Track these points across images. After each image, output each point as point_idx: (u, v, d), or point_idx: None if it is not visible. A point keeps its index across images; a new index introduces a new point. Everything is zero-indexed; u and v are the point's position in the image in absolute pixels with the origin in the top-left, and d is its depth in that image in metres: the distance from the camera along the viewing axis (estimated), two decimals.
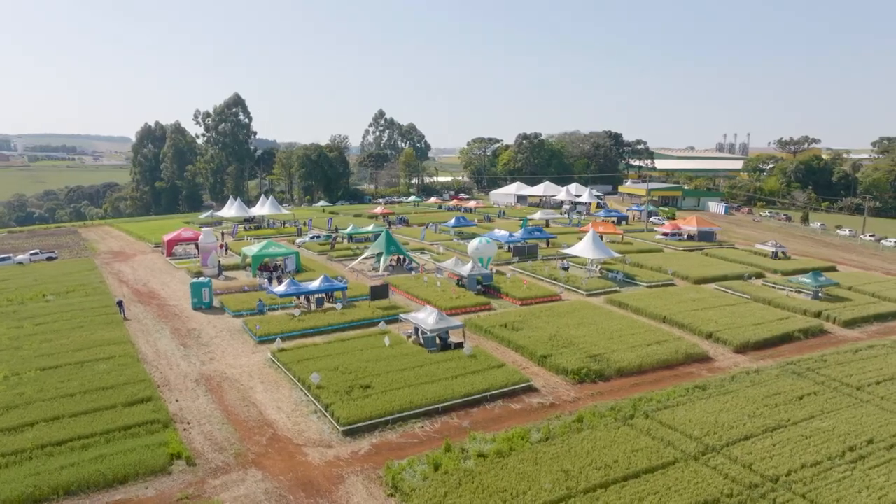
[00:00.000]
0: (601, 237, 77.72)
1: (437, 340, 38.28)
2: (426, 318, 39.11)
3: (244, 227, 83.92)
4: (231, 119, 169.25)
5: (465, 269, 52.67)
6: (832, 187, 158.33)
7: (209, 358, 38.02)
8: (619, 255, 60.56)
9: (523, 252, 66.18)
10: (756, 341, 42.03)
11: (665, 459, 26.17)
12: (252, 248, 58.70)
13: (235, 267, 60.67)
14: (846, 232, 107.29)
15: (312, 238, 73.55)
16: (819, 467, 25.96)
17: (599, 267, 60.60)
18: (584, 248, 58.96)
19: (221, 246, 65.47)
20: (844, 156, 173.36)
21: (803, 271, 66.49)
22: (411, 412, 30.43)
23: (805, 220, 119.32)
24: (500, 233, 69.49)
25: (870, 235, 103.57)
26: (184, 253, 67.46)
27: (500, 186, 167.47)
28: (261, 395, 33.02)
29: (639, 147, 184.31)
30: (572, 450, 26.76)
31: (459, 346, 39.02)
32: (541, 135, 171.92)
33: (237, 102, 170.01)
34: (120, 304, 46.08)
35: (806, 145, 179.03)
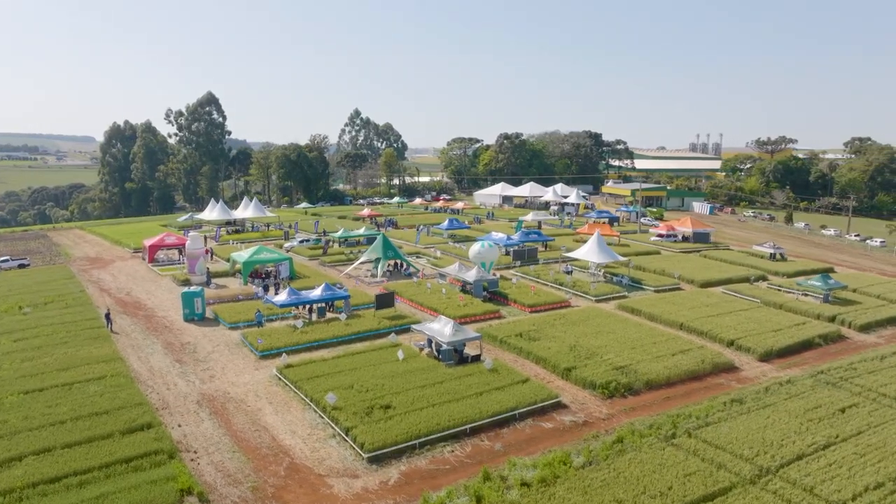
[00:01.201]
0: None
1: (455, 353, 36.01)
2: (441, 329, 36.82)
3: (227, 231, 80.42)
4: (204, 118, 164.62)
5: (471, 275, 50.48)
6: (809, 187, 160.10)
7: (209, 376, 35.16)
8: (624, 259, 58.94)
9: (523, 255, 64.23)
10: (779, 349, 40.69)
11: (722, 484, 24.33)
12: (242, 254, 55.64)
13: (224, 274, 57.55)
14: (831, 232, 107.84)
15: (302, 242, 70.55)
16: (883, 490, 24.39)
17: (603, 271, 58.92)
18: (588, 252, 57.21)
19: (207, 251, 62.14)
20: (821, 156, 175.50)
21: (803, 273, 66.01)
22: (439, 434, 28.14)
23: (789, 220, 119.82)
24: (498, 235, 67.45)
25: (855, 235, 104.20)
26: (167, 259, 64.00)
27: (480, 187, 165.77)
28: (271, 417, 30.37)
29: (618, 147, 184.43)
30: (621, 475, 24.77)
31: (476, 358, 36.86)
32: (522, 135, 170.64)
33: (211, 101, 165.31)
34: (107, 315, 42.83)
35: (783, 145, 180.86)
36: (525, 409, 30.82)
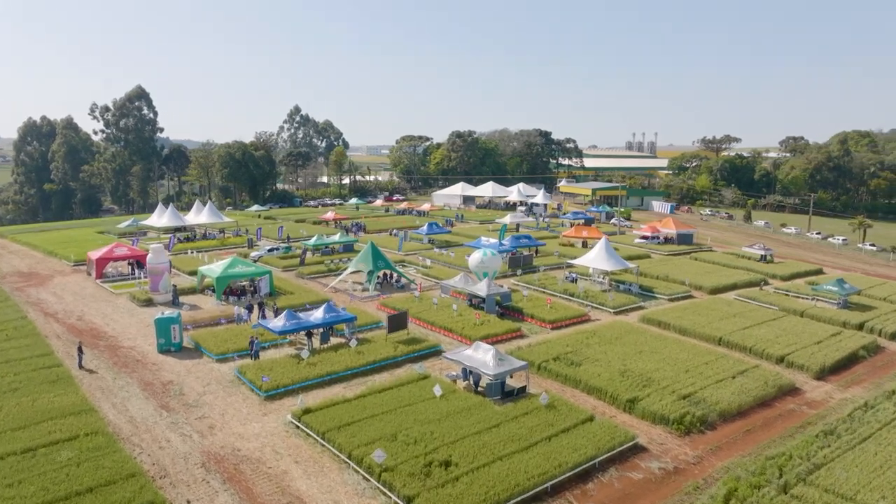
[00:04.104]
0: (585, 243, 73.02)
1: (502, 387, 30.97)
2: (483, 358, 31.64)
3: (178, 239, 72.11)
4: (134, 114, 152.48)
5: (482, 288, 45.43)
6: (754, 185, 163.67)
7: (207, 426, 28.69)
8: (633, 266, 55.32)
9: (519, 262, 59.71)
10: (830, 365, 37.70)
11: None
12: (214, 268, 48.57)
13: (190, 290, 50.21)
14: (792, 230, 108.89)
15: (271, 251, 63.48)
16: None
17: (608, 278, 55.11)
18: (596, 259, 53.18)
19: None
20: (764, 154, 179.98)
21: (798, 276, 64.64)
22: (520, 498, 23.06)
23: (748, 218, 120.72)
24: (490, 241, 62.60)
25: (816, 233, 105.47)
26: (117, 273, 55.78)
27: (432, 186, 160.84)
28: (303, 482, 24.43)
29: (568, 146, 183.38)
30: None
31: (522, 391, 31.98)
32: (475, 132, 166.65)
33: (140, 96, 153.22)
34: (80, 350, 35.27)
35: (728, 144, 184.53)
36: (604, 457, 26.16)
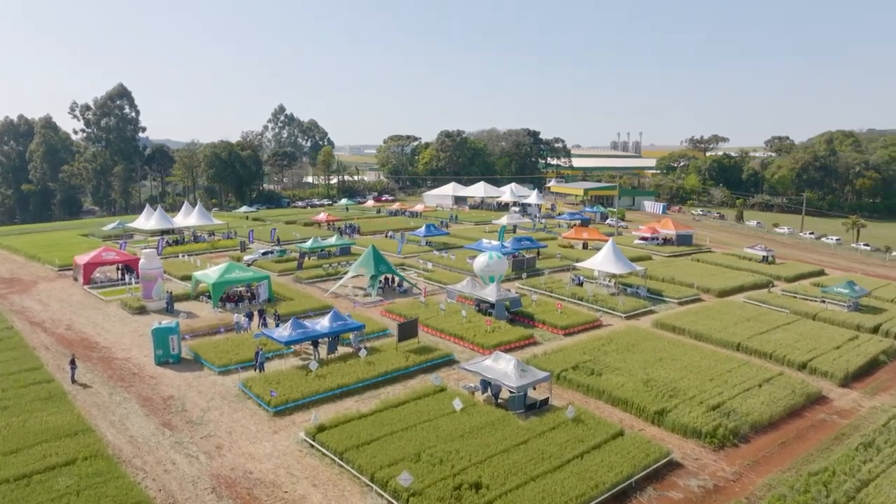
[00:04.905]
0: (585, 245, 71.85)
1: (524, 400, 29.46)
2: (504, 369, 30.11)
3: (167, 242, 69.71)
4: (115, 113, 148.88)
5: (491, 293, 43.89)
6: (742, 184, 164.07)
7: (214, 446, 26.81)
8: (641, 269, 54.12)
9: (522, 265, 58.29)
10: (853, 371, 36.70)
11: None
12: (209, 273, 46.50)
13: (183, 297, 48.10)
14: (785, 230, 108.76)
15: (265, 254, 61.39)
16: None
17: (615, 281, 53.89)
18: (604, 262, 51.93)
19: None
20: (751, 154, 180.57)
21: (802, 277, 64.00)
22: None
23: (739, 218, 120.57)
24: (492, 243, 61.09)
25: (809, 233, 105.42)
26: (105, 278, 53.43)
27: (420, 186, 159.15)
28: None
29: (557, 146, 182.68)
30: None
31: (545, 403, 30.52)
32: (464, 132, 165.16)
33: (122, 94, 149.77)
34: (72, 363, 33.14)
35: (715, 144, 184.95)
36: (640, 475, 24.76)
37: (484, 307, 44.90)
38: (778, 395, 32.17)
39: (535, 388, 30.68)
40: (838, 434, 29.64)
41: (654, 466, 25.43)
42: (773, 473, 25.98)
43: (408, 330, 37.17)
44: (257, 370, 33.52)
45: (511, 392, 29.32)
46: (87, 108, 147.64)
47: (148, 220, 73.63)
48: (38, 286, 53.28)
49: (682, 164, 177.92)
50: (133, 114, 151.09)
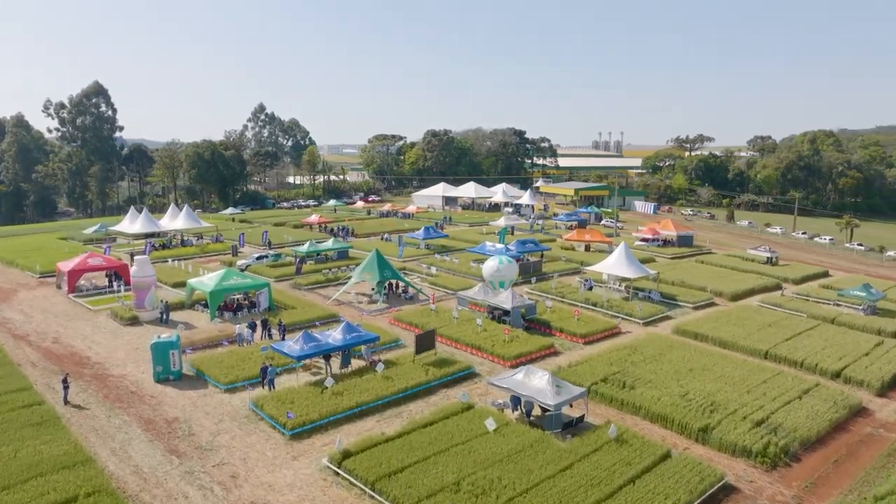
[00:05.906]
0: (588, 247, 70.23)
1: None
2: (539, 385, 28.12)
3: (154, 246, 66.53)
4: (91, 111, 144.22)
5: (506, 300, 41.89)
6: (727, 184, 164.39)
7: (229, 476, 24.37)
8: (654, 273, 52.53)
9: (529, 269, 56.38)
10: (889, 380, 35.36)
11: None
12: (205, 281, 43.80)
13: (178, 306, 45.33)
14: (777, 230, 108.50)
15: (259, 259, 58.65)
16: None
17: (625, 286, 52.23)
18: (616, 265, 50.23)
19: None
20: (736, 154, 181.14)
21: (808, 279, 63.17)
22: None
23: (731, 218, 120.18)
24: (496, 246, 59.10)
25: (802, 233, 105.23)
26: (91, 286, 50.37)
27: (406, 186, 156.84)
28: None
29: (543, 145, 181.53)
30: None
31: (580, 420, 28.60)
32: (451, 132, 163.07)
33: (98, 92, 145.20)
34: (65, 382, 30.34)
35: (700, 143, 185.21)
36: (699, 502, 22.92)
37: (498, 314, 42.90)
38: (820, 408, 30.63)
39: (571, 406, 28.71)
40: (890, 450, 28.16)
41: (710, 491, 23.62)
42: (835, 497, 24.38)
43: (425, 341, 34.98)
44: (266, 387, 31.07)
45: (548, 410, 27.33)
46: (62, 106, 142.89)
47: (133, 223, 70.26)
48: (19, 294, 50.03)
49: (667, 163, 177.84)
50: (110, 112, 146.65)
